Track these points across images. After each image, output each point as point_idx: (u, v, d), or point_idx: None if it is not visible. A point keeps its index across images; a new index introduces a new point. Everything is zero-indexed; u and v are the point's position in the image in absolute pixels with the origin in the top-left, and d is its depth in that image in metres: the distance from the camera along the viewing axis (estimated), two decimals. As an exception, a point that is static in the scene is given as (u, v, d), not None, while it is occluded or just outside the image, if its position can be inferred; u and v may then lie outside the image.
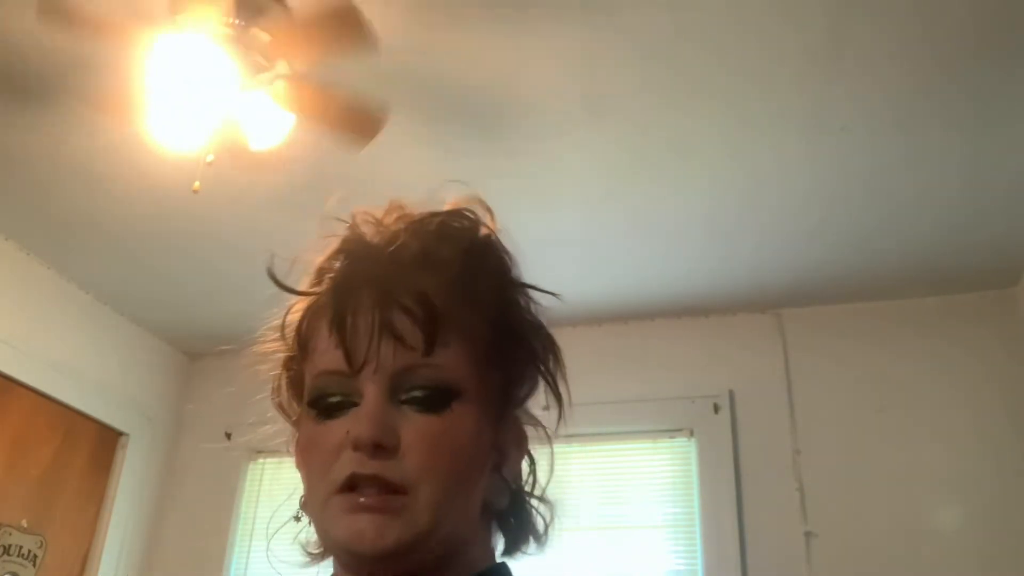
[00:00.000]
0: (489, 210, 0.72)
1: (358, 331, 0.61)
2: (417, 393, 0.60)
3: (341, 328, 0.61)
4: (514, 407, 0.67)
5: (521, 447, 0.68)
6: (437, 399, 0.60)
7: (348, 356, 0.60)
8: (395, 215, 0.69)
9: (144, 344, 3.45)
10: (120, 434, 3.29)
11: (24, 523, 2.87)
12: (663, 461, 3.00)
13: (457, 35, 2.00)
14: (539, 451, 0.70)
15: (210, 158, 2.04)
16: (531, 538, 0.68)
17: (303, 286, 0.68)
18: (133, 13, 1.93)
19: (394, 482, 0.58)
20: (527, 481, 0.69)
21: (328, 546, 0.62)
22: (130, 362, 3.38)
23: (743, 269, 2.86)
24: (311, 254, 0.69)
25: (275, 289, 0.69)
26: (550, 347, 0.69)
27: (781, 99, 2.14)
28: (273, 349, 0.70)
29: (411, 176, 2.45)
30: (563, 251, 2.74)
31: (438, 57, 2.06)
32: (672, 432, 2.99)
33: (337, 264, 0.66)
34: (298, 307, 0.68)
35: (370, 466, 0.58)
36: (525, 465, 0.69)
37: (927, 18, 1.88)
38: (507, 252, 0.70)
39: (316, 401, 0.62)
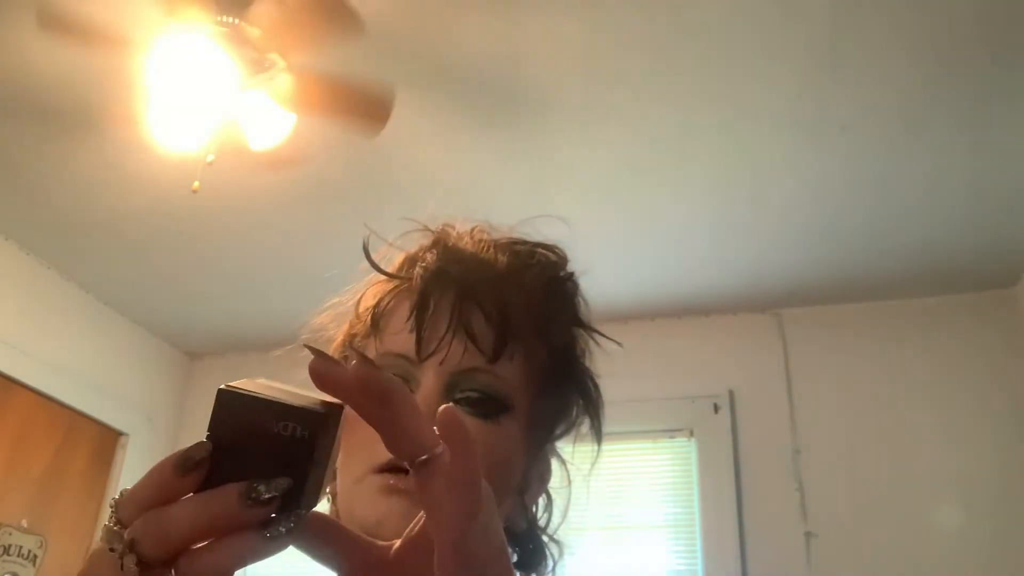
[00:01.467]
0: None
1: (436, 322, 0.62)
2: (472, 394, 0.61)
3: (421, 314, 0.63)
4: (549, 442, 0.69)
5: (544, 481, 0.70)
6: (489, 406, 0.61)
7: (420, 342, 0.62)
8: (481, 232, 0.71)
9: (144, 344, 3.45)
10: (120, 434, 3.29)
11: (24, 523, 2.87)
12: (663, 461, 3.00)
13: (458, 34, 2.00)
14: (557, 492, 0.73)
15: (210, 158, 2.04)
16: (535, 571, 0.69)
17: (395, 267, 0.70)
18: (128, 18, 1.93)
19: None
20: (541, 517, 0.71)
21: (350, 525, 0.63)
22: (130, 362, 3.38)
23: (743, 269, 2.86)
24: (390, 247, 0.72)
25: (336, 271, 0.72)
26: (598, 396, 0.72)
27: (782, 99, 2.14)
28: (331, 322, 0.72)
29: (411, 174, 2.45)
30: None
31: (439, 57, 2.06)
32: (672, 432, 2.99)
33: (429, 256, 0.68)
34: (378, 288, 0.69)
35: None
36: (542, 501, 0.71)
37: (928, 19, 1.88)
38: (583, 297, 0.73)
39: None
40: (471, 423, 0.60)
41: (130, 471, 3.26)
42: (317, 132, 2.18)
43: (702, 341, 3.08)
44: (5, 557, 2.79)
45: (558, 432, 0.70)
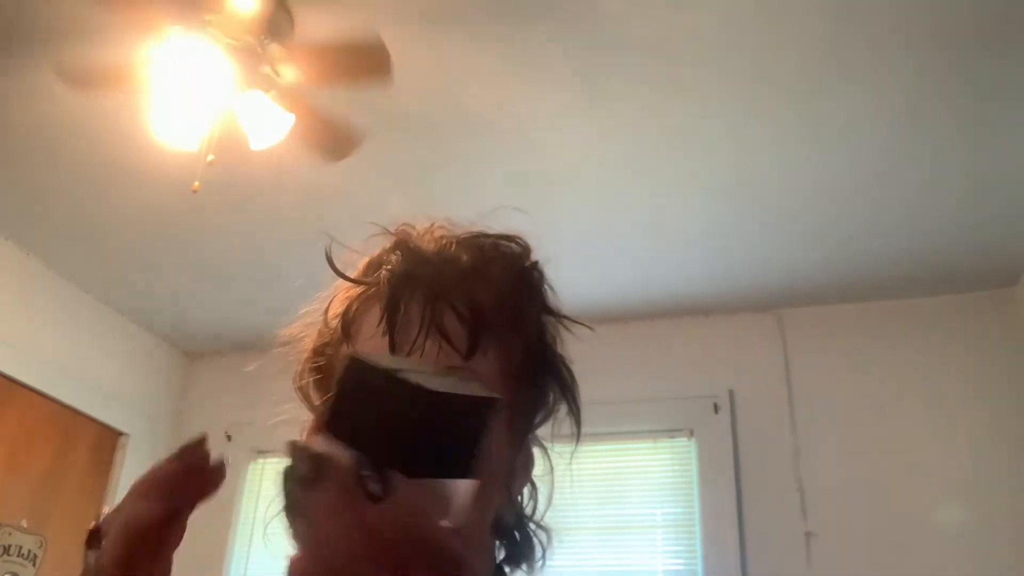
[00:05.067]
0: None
1: (408, 323, 0.62)
2: None
3: (393, 315, 0.62)
4: (530, 431, 0.69)
5: (528, 470, 0.69)
6: None
7: (393, 345, 0.61)
8: (441, 230, 0.71)
9: (144, 344, 3.45)
10: (120, 434, 3.29)
11: (24, 523, 2.87)
12: (663, 461, 3.00)
13: (451, 39, 2.00)
14: (540, 480, 0.72)
15: (210, 158, 2.04)
16: (527, 561, 0.69)
17: (359, 273, 0.70)
18: (128, 20, 1.92)
19: None
20: (527, 506, 0.71)
21: None
22: (130, 362, 3.38)
23: (743, 269, 2.86)
24: (353, 253, 0.71)
25: (303, 280, 0.71)
26: (573, 382, 0.71)
27: (782, 99, 2.14)
28: (303, 333, 0.71)
29: (411, 173, 2.45)
30: (561, 252, 2.74)
31: (431, 56, 2.06)
32: (672, 432, 2.99)
33: (394, 258, 0.67)
34: (345, 294, 0.69)
35: None
36: (527, 490, 0.71)
37: (928, 19, 1.88)
38: (550, 285, 0.72)
39: None
40: None
41: (130, 471, 3.26)
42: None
43: (702, 341, 3.08)
44: (5, 557, 2.79)
45: (537, 421, 0.70)
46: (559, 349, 0.72)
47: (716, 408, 2.95)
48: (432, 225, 0.71)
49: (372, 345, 0.63)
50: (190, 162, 2.09)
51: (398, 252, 0.68)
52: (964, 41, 1.93)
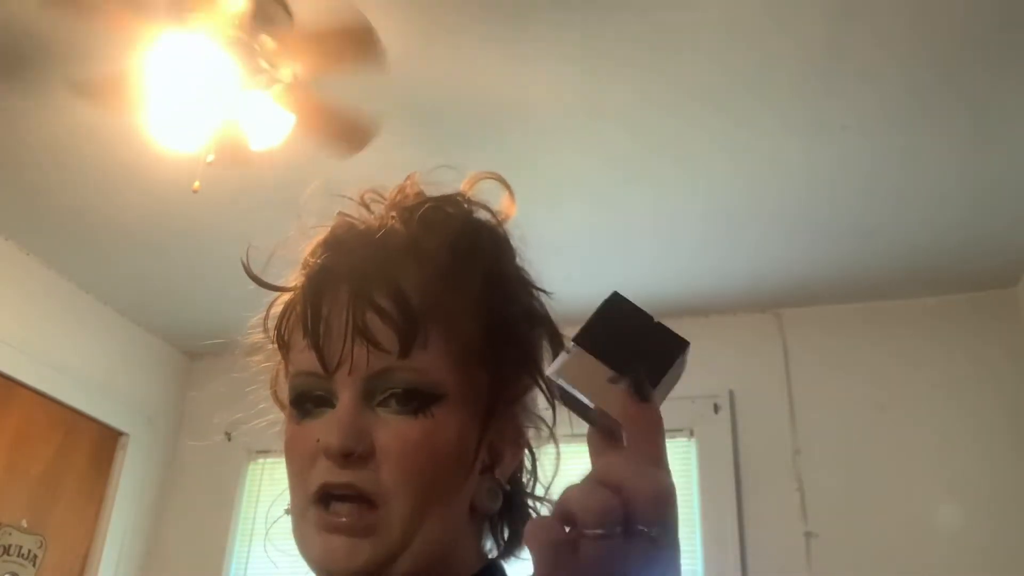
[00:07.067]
0: (509, 190, 0.69)
1: (331, 332, 0.58)
2: (395, 391, 0.57)
3: (314, 330, 0.58)
4: (507, 405, 0.63)
5: (517, 446, 0.64)
6: (416, 401, 0.57)
7: (321, 358, 0.58)
8: (395, 198, 0.67)
9: (144, 344, 3.45)
10: (120, 434, 3.29)
11: (24, 523, 2.87)
12: (663, 461, 3.00)
13: (457, 38, 2.00)
14: (542, 450, 0.67)
15: (210, 158, 2.04)
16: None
17: (291, 277, 0.65)
18: (138, 5, 1.92)
19: (367, 492, 0.55)
20: (527, 481, 0.66)
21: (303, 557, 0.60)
22: (130, 362, 3.38)
23: (743, 269, 2.86)
24: (302, 242, 0.67)
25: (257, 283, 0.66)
26: (552, 342, 0.65)
27: (781, 99, 2.14)
28: (261, 341, 0.69)
29: (412, 168, 2.45)
30: (563, 252, 2.74)
31: (438, 59, 2.06)
32: (672, 432, 2.98)
33: (319, 255, 0.63)
34: (280, 301, 0.65)
35: (342, 475, 0.56)
36: (527, 464, 0.66)
37: (926, 18, 1.88)
38: (504, 242, 0.66)
39: (295, 401, 0.60)
40: (403, 424, 0.57)
41: (130, 471, 3.26)
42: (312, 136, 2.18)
43: (702, 341, 3.04)
44: (5, 557, 2.79)
45: (515, 393, 0.63)
46: (536, 307, 0.65)
47: (716, 408, 2.95)
48: (388, 195, 0.67)
49: (305, 359, 0.59)
50: (190, 162, 2.09)
51: (325, 246, 0.64)
52: (966, 41, 1.93)
